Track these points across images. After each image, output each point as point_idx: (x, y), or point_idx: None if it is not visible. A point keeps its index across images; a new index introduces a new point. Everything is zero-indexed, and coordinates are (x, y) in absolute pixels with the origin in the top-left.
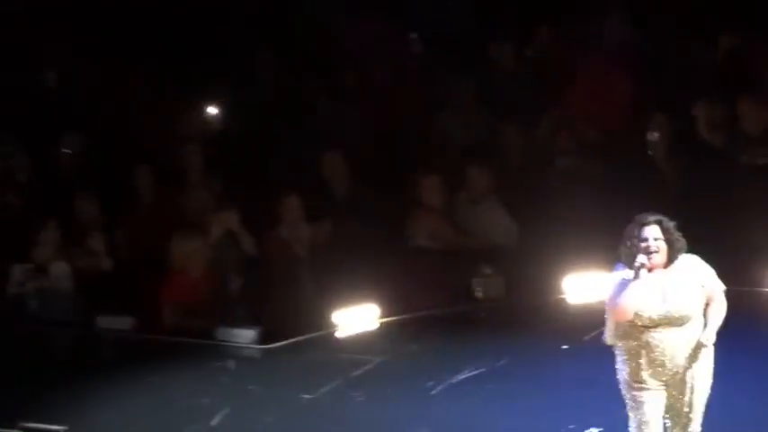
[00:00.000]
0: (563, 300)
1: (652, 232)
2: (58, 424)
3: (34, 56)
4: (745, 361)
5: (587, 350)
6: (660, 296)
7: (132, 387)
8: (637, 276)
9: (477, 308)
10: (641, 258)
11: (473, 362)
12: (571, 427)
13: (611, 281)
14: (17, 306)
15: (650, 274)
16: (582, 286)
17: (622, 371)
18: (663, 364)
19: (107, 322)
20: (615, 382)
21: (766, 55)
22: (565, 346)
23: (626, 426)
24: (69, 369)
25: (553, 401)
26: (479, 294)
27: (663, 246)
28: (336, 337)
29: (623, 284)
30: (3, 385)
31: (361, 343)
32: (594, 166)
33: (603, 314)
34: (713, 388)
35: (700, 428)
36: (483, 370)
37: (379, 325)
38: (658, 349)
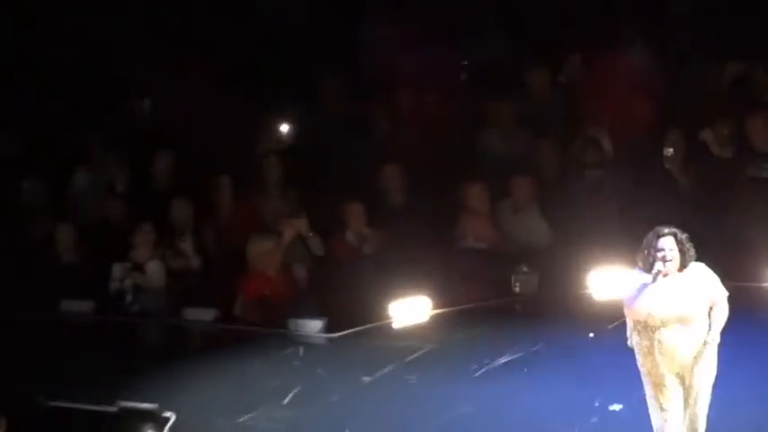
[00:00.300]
0: (589, 294)
1: (668, 243)
2: (151, 403)
3: (134, 85)
4: (743, 351)
5: (610, 337)
6: (671, 298)
7: (214, 371)
8: (654, 281)
9: (515, 301)
10: (658, 266)
11: (511, 347)
12: (596, 404)
13: (630, 284)
14: (116, 300)
15: (664, 279)
16: (605, 282)
17: (642, 366)
18: (673, 359)
19: (193, 314)
20: (634, 365)
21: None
22: (591, 334)
23: (643, 403)
24: (160, 355)
25: (581, 382)
26: (517, 289)
27: (676, 255)
28: (393, 327)
29: (641, 288)
30: (103, 369)
31: (414, 332)
32: (618, 178)
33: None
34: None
35: (705, 418)
36: (520, 354)
37: (430, 316)
38: (668, 346)
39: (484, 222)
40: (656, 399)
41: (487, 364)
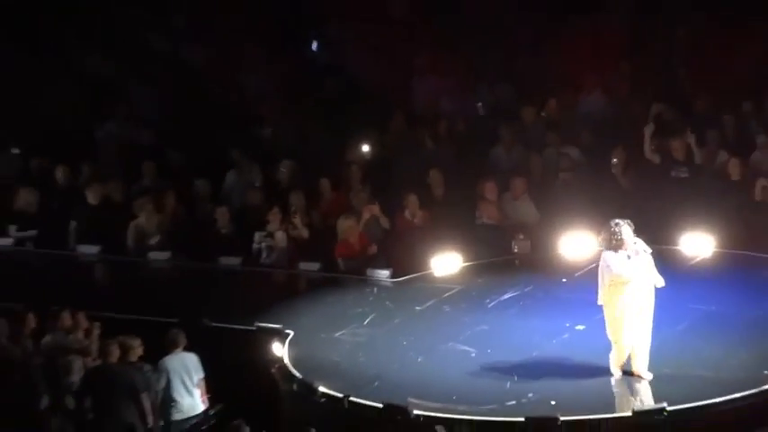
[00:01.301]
0: (561, 253)
1: (627, 231)
2: (277, 324)
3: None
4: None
5: (576, 282)
6: (634, 266)
7: (318, 303)
8: (628, 258)
9: (514, 258)
10: (630, 248)
11: (512, 288)
12: (567, 325)
13: (611, 260)
14: (256, 257)
15: (621, 252)
16: (572, 245)
17: (611, 310)
18: (633, 301)
19: (306, 266)
20: (592, 299)
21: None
22: (564, 279)
23: (599, 324)
24: (284, 293)
25: (557, 310)
26: (516, 250)
27: (632, 238)
28: (434, 274)
29: (618, 262)
30: (247, 302)
31: (447, 278)
32: (582, 179)
33: (586, 260)
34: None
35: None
36: (518, 293)
37: (458, 267)
38: (633, 293)
39: (494, 207)
40: (615, 332)
41: (496, 299)
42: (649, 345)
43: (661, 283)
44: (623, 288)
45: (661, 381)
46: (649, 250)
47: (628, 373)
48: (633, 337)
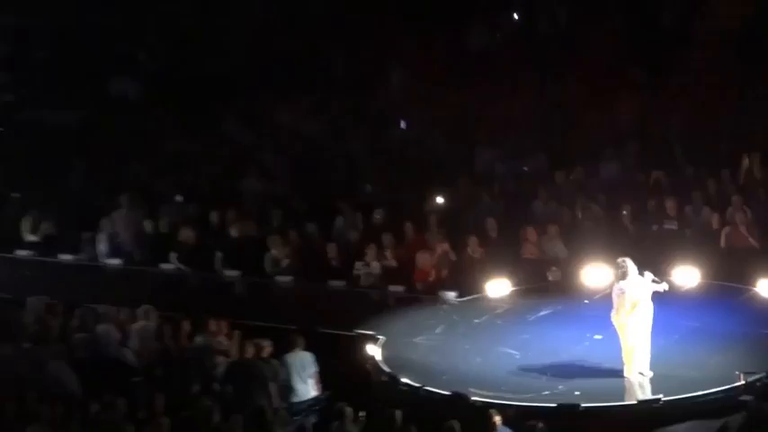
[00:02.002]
0: (585, 281)
1: (629, 262)
2: (371, 331)
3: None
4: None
5: (596, 302)
6: (643, 291)
7: (402, 316)
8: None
9: (549, 284)
10: (639, 279)
11: (546, 307)
12: (588, 334)
13: (619, 288)
14: (356, 281)
15: (629, 279)
16: (593, 274)
17: (622, 325)
18: (638, 320)
19: (393, 288)
20: (606, 315)
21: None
22: (586, 300)
23: (614, 335)
24: (376, 310)
25: (581, 323)
26: (550, 278)
27: (633, 267)
28: (489, 296)
29: (629, 288)
30: (350, 315)
31: (499, 298)
32: (598, 228)
33: (604, 288)
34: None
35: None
36: (551, 310)
37: (508, 291)
38: (636, 314)
39: (534, 246)
40: (626, 341)
41: (534, 315)
42: (649, 349)
43: (665, 287)
44: (634, 307)
45: (659, 378)
46: (651, 277)
47: (635, 371)
48: (639, 344)
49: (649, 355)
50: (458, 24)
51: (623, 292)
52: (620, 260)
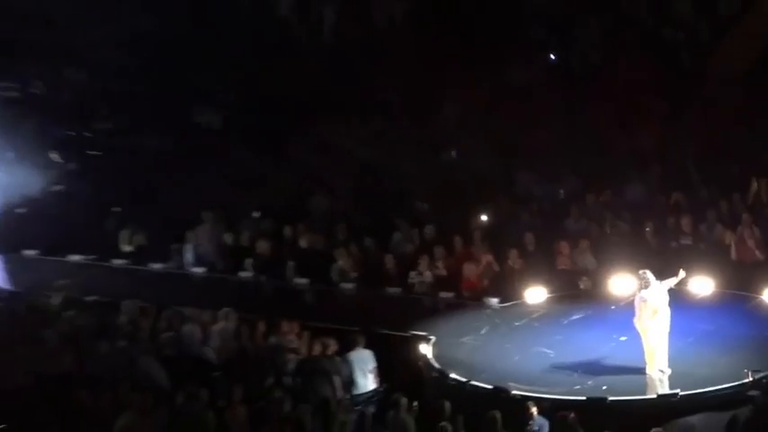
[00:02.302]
0: (612, 289)
1: (649, 274)
2: (423, 332)
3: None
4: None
5: (622, 308)
6: (662, 298)
7: (452, 319)
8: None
9: (581, 292)
10: (659, 287)
11: (578, 312)
12: (614, 336)
13: (641, 297)
14: (411, 288)
15: (650, 289)
16: (619, 283)
17: (644, 328)
18: (661, 322)
19: (443, 295)
20: (629, 319)
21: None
22: (612, 306)
23: (637, 337)
24: (427, 314)
25: (608, 326)
26: (581, 287)
27: (653, 278)
28: (527, 302)
29: (651, 297)
30: (406, 320)
31: (536, 304)
32: (622, 242)
33: (628, 296)
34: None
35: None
36: (582, 315)
37: (544, 298)
38: (662, 317)
39: (567, 258)
40: (647, 342)
41: (567, 319)
42: (667, 350)
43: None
44: (655, 313)
45: (676, 375)
46: (674, 281)
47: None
48: (659, 345)
49: (667, 355)
50: (501, 62)
51: (645, 300)
52: (641, 272)
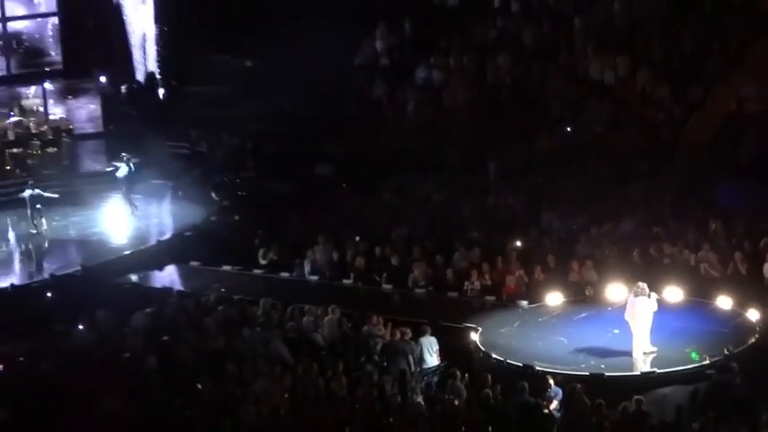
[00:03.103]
0: (609, 296)
1: (643, 285)
2: (473, 324)
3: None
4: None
5: (616, 309)
6: (644, 304)
7: (493, 315)
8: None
9: (586, 298)
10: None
11: (585, 311)
12: (610, 329)
13: (631, 300)
14: (466, 293)
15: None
16: (613, 291)
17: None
18: (644, 319)
19: (488, 298)
20: (622, 318)
21: None
22: (609, 308)
23: (627, 330)
24: (477, 311)
25: (606, 322)
26: (587, 293)
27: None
28: (548, 304)
29: (636, 300)
30: (460, 313)
31: (555, 306)
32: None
33: (619, 300)
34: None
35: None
36: (588, 313)
37: (560, 301)
38: (642, 316)
39: (577, 273)
40: (635, 332)
41: (577, 316)
42: (649, 338)
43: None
44: (641, 312)
45: (654, 358)
46: (656, 296)
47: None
48: (643, 335)
49: (649, 341)
50: (531, 133)
51: (634, 303)
52: (639, 283)
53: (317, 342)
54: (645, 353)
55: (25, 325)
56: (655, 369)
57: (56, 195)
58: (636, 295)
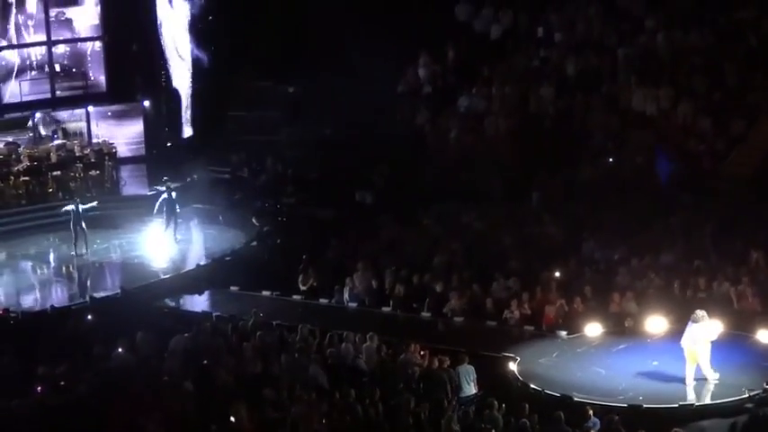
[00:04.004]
0: (649, 328)
1: (702, 313)
2: (511, 354)
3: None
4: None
5: (655, 341)
6: (703, 329)
7: (531, 345)
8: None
9: (626, 329)
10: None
11: (623, 342)
12: (649, 361)
13: (691, 327)
14: (505, 321)
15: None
16: (653, 323)
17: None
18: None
19: (527, 328)
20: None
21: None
22: (648, 340)
23: (667, 362)
24: (517, 341)
25: (645, 353)
26: (626, 325)
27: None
28: (587, 334)
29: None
30: (498, 343)
31: (594, 336)
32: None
33: (657, 332)
34: None
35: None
36: (626, 345)
37: (600, 332)
38: (700, 342)
39: (617, 305)
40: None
41: (616, 348)
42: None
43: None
44: (699, 339)
45: (693, 389)
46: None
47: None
48: (698, 359)
49: (711, 368)
50: (573, 163)
51: (692, 330)
52: (698, 311)
53: (360, 367)
54: (707, 378)
55: (64, 347)
56: (693, 402)
57: (95, 203)
58: (694, 321)
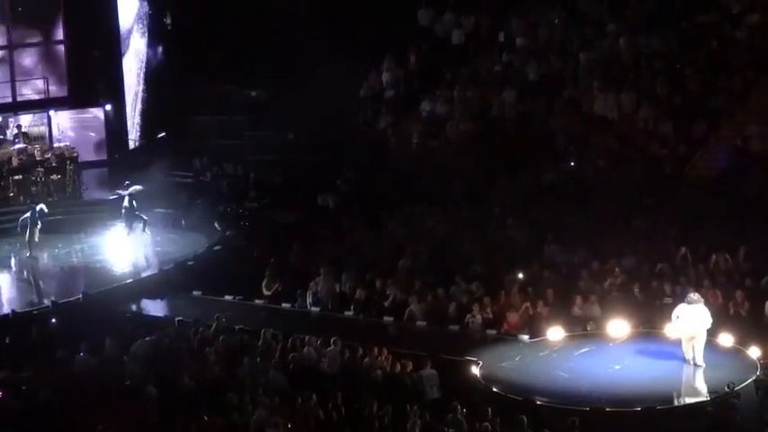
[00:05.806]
0: (611, 331)
1: (696, 295)
2: (474, 357)
3: None
4: None
5: (617, 345)
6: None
7: (493, 349)
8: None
9: (588, 333)
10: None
11: (585, 346)
12: (611, 365)
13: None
14: (467, 326)
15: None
16: (615, 327)
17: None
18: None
19: (490, 332)
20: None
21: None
22: (610, 344)
23: (628, 365)
24: (478, 345)
25: (606, 357)
26: (588, 328)
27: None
28: (549, 338)
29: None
30: (460, 346)
31: (556, 340)
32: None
33: (620, 336)
34: None
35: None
36: (588, 349)
37: (562, 336)
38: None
39: (578, 308)
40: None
41: (578, 351)
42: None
43: (708, 323)
44: (697, 320)
45: (657, 393)
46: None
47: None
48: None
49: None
50: (535, 167)
51: (688, 312)
52: (694, 294)
53: (323, 371)
54: (697, 362)
55: (26, 352)
56: (657, 405)
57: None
58: (690, 303)
